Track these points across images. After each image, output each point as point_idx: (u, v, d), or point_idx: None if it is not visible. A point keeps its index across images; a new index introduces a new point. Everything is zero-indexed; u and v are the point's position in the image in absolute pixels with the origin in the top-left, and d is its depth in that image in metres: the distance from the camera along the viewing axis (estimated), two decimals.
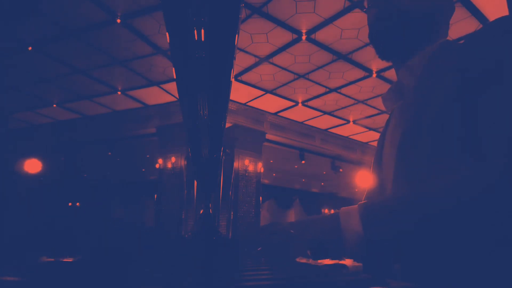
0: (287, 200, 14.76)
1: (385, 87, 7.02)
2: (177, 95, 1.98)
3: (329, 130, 10.05)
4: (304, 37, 5.60)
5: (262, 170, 8.78)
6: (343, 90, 7.53)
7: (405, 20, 0.88)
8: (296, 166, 11.81)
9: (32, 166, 9.87)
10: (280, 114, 8.93)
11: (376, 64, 6.43)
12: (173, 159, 8.21)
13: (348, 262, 0.54)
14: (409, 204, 0.69)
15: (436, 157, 0.73)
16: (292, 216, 14.75)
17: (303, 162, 10.27)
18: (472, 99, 0.69)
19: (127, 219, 13.21)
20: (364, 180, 10.25)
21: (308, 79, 7.03)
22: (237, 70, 6.68)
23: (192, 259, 0.57)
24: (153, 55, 6.19)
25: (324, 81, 7.12)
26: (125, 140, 9.38)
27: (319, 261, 0.64)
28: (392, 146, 0.90)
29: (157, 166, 8.54)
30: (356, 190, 12.65)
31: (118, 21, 5.19)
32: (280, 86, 7.42)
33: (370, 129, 9.88)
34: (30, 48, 5.98)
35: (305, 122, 9.50)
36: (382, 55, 0.94)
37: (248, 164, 8.41)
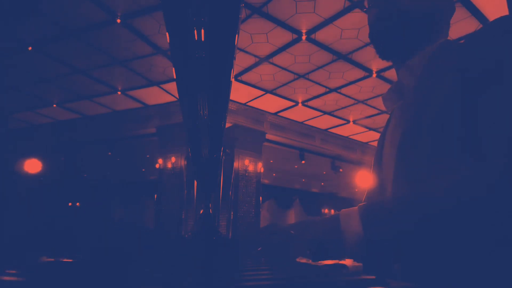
0: (287, 200, 14.74)
1: (385, 87, 7.02)
2: (177, 95, 1.98)
3: (329, 130, 10.04)
4: (304, 37, 5.60)
5: (262, 170, 8.77)
6: (343, 90, 7.53)
7: (405, 20, 0.88)
8: (296, 166, 11.80)
9: (32, 166, 9.87)
10: (280, 114, 8.93)
11: (376, 64, 6.43)
12: (173, 159, 8.20)
13: (348, 262, 0.54)
14: (409, 204, 0.69)
15: (436, 157, 0.72)
16: (292, 216, 14.73)
17: (303, 162, 10.26)
18: (472, 99, 0.69)
19: (127, 219, 13.21)
20: (364, 180, 10.25)
21: (308, 79, 7.03)
22: (237, 70, 6.67)
23: (192, 259, 0.57)
24: (153, 55, 6.19)
25: (324, 81, 7.12)
26: (125, 140, 9.38)
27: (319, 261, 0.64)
28: (392, 146, 0.90)
29: (157, 166, 8.54)
30: (356, 190, 12.64)
31: (118, 21, 5.19)
32: (280, 86, 7.42)
33: (370, 129, 9.88)
34: (30, 48, 5.98)
35: (305, 122, 9.49)
36: (382, 55, 0.94)
37: (248, 164, 8.40)
